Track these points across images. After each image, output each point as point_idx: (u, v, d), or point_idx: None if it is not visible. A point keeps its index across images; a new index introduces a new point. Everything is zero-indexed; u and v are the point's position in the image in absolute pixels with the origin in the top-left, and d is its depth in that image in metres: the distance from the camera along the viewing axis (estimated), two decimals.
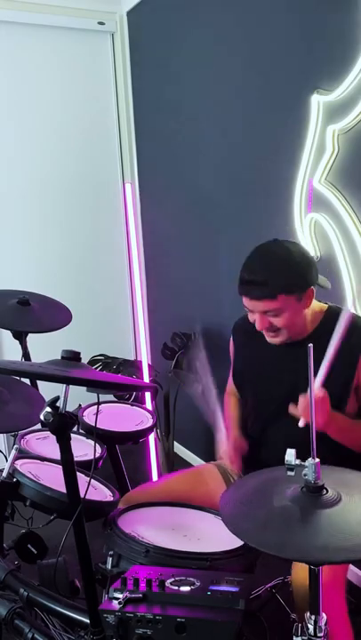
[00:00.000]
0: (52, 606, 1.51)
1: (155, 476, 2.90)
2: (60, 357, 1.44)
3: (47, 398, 1.34)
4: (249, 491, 1.20)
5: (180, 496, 1.77)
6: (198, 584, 1.25)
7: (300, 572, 1.42)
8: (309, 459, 1.11)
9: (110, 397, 2.69)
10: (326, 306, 1.72)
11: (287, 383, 1.66)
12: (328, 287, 1.75)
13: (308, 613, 1.11)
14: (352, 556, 0.98)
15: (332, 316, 1.66)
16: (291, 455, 1.15)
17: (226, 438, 1.78)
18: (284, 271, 1.58)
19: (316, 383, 1.45)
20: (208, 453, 2.15)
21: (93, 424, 2.01)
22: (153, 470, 2.93)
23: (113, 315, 3.63)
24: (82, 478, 1.46)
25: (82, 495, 1.37)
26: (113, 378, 2.13)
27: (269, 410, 1.74)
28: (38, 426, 1.90)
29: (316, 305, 1.70)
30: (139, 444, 2.37)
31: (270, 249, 1.64)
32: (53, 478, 1.63)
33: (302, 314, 1.64)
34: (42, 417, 1.31)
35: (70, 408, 1.39)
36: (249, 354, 1.85)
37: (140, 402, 2.65)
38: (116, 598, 1.21)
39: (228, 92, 2.60)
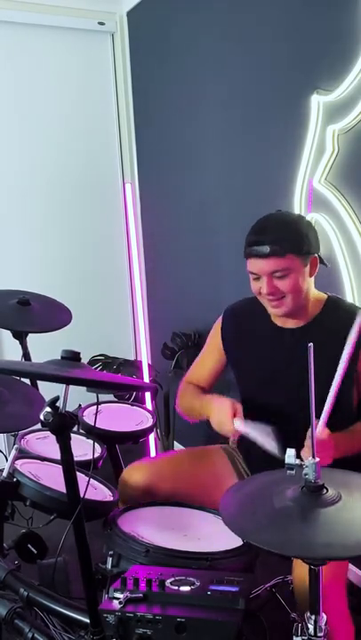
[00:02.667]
0: (52, 606, 1.51)
1: None
2: (60, 357, 1.44)
3: (47, 398, 1.34)
4: (249, 492, 1.21)
5: (186, 471, 1.78)
6: (198, 584, 1.25)
7: (301, 571, 1.42)
8: (310, 458, 1.11)
9: (110, 397, 2.69)
10: (326, 295, 1.75)
11: (290, 370, 1.66)
12: (327, 265, 1.78)
13: (308, 613, 1.11)
14: (354, 552, 0.98)
15: (333, 304, 1.71)
16: (291, 455, 1.15)
17: (217, 404, 1.67)
18: (294, 231, 1.63)
19: (320, 426, 1.42)
20: None
21: (93, 424, 2.01)
22: None
23: (113, 315, 3.63)
24: (82, 478, 1.46)
25: (82, 495, 1.37)
26: (113, 378, 2.13)
27: (272, 397, 1.72)
28: (38, 426, 1.90)
29: (317, 292, 1.73)
30: (139, 444, 2.37)
31: (278, 214, 1.71)
32: (53, 478, 1.63)
33: (306, 285, 1.65)
34: (42, 417, 1.31)
35: (70, 408, 1.39)
36: (247, 339, 1.81)
37: (140, 402, 2.65)
38: (117, 598, 1.21)
39: (228, 91, 2.60)
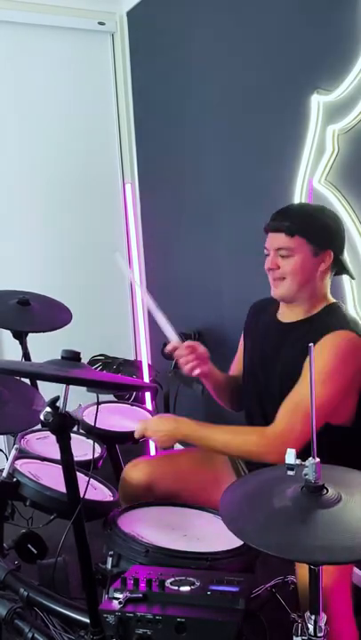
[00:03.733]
0: (52, 606, 1.51)
1: None
2: (60, 357, 1.44)
3: (47, 398, 1.34)
4: (249, 491, 1.20)
5: (186, 470, 1.80)
6: (198, 584, 1.25)
7: (304, 572, 1.41)
8: (310, 458, 1.11)
9: (110, 397, 2.69)
10: (332, 301, 1.73)
11: (276, 360, 1.70)
12: (353, 277, 1.81)
13: (308, 613, 1.11)
14: (354, 556, 0.97)
15: (330, 310, 1.69)
16: (291, 455, 1.15)
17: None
18: (311, 217, 1.67)
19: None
20: None
21: (93, 424, 2.01)
22: None
23: (113, 315, 3.63)
24: (82, 478, 1.46)
25: (82, 495, 1.37)
26: (113, 378, 2.13)
27: (258, 381, 1.77)
28: (38, 426, 1.90)
29: (329, 297, 1.72)
30: (139, 444, 2.37)
31: (309, 204, 1.79)
32: (53, 478, 1.63)
33: (314, 276, 1.65)
34: (42, 417, 1.31)
35: (70, 408, 1.39)
36: (254, 332, 1.86)
37: (140, 402, 2.65)
38: (116, 598, 1.21)
39: (229, 91, 2.60)
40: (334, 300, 1.73)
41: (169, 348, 1.85)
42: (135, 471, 1.77)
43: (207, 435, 1.67)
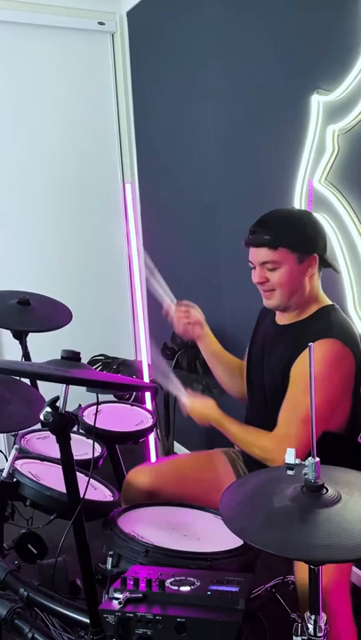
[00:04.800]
0: (52, 606, 1.51)
1: None
2: (60, 357, 1.44)
3: (47, 398, 1.34)
4: (249, 491, 1.20)
5: (189, 475, 1.80)
6: (198, 584, 1.25)
7: (304, 572, 1.42)
8: (309, 458, 1.11)
9: (110, 397, 2.68)
10: (328, 303, 1.73)
11: (269, 361, 1.72)
12: (337, 271, 1.83)
13: (308, 613, 1.11)
14: (353, 554, 0.98)
15: (324, 312, 1.70)
16: (291, 455, 1.15)
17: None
18: (290, 226, 1.66)
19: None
20: None
21: (93, 424, 2.01)
22: None
23: (113, 315, 3.63)
24: (82, 478, 1.46)
25: (82, 495, 1.37)
26: (113, 378, 2.13)
27: (255, 381, 1.80)
28: (38, 426, 1.90)
29: (323, 296, 1.73)
30: (139, 444, 2.37)
31: (285, 209, 1.77)
32: (53, 478, 1.63)
33: (303, 282, 1.66)
34: (42, 417, 1.31)
35: (70, 408, 1.39)
36: (255, 334, 1.89)
37: (140, 402, 2.65)
38: (116, 598, 1.21)
39: (228, 91, 2.60)
40: (328, 303, 1.73)
41: (165, 308, 1.90)
42: (138, 477, 1.78)
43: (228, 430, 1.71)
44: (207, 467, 1.85)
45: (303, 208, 2.17)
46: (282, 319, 1.76)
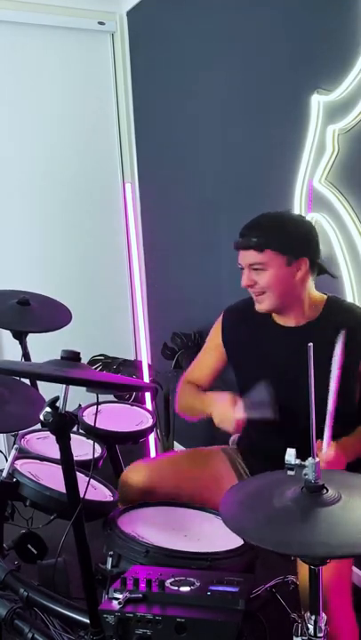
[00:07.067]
0: (52, 606, 1.51)
1: None
2: (59, 357, 1.44)
3: (47, 398, 1.34)
4: (249, 492, 1.21)
5: (186, 472, 1.79)
6: (198, 584, 1.25)
7: (305, 572, 1.42)
8: (309, 458, 1.11)
9: (110, 397, 2.68)
10: (326, 296, 1.75)
11: (292, 369, 1.64)
12: (334, 276, 1.84)
13: (308, 613, 1.11)
14: (354, 550, 0.98)
15: (333, 304, 1.73)
16: (291, 455, 1.15)
17: (218, 397, 1.69)
18: (278, 229, 1.67)
19: (325, 446, 1.44)
20: None
21: (93, 424, 2.01)
22: None
23: (113, 315, 3.63)
24: (82, 478, 1.46)
25: (82, 495, 1.37)
26: (113, 378, 2.13)
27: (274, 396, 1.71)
28: (38, 426, 1.90)
29: (317, 294, 1.74)
30: (139, 444, 2.37)
31: (275, 213, 1.75)
32: (53, 478, 1.63)
33: (292, 284, 1.66)
34: (42, 417, 1.31)
35: (70, 408, 1.39)
36: (248, 339, 1.82)
37: (140, 402, 2.65)
38: (116, 598, 1.21)
39: (228, 91, 2.60)
40: (328, 295, 1.75)
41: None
42: (135, 474, 1.77)
43: None
44: (205, 463, 1.84)
45: (301, 209, 2.17)
46: (286, 320, 1.74)
